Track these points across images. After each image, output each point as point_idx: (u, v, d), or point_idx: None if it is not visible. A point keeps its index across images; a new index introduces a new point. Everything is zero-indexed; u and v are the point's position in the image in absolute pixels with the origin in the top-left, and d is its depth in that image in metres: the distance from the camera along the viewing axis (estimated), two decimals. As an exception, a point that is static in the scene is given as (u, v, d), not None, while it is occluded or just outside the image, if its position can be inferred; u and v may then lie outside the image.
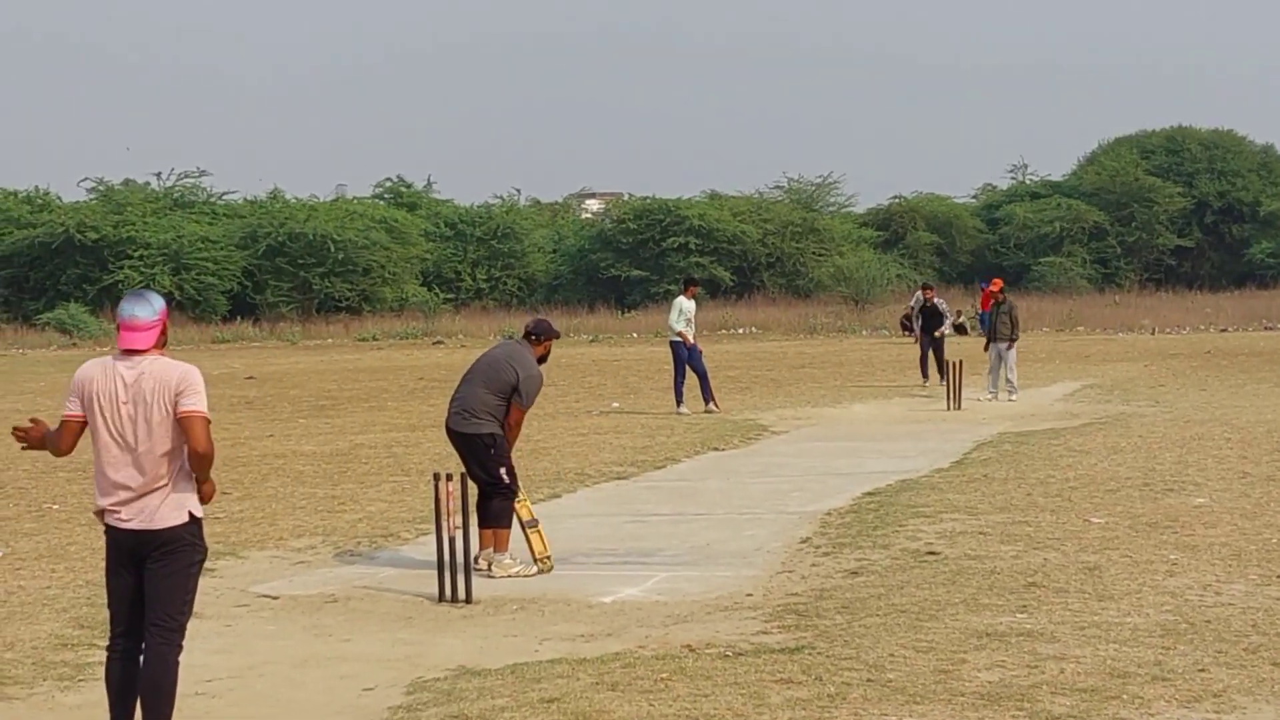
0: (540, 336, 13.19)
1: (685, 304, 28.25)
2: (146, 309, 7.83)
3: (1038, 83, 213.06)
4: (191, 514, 7.78)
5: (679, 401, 27.40)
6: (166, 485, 7.72)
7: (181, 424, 7.68)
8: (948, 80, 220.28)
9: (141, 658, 7.86)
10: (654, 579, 12.30)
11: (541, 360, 13.11)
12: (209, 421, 7.77)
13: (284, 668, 9.70)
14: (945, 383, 29.06)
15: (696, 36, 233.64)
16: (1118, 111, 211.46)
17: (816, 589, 11.39)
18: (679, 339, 27.76)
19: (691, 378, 27.73)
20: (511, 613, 11.21)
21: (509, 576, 12.52)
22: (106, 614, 11.07)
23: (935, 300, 34.99)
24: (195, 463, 7.74)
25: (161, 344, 7.84)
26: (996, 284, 32.55)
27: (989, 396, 28.95)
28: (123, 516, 7.75)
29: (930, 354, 33.26)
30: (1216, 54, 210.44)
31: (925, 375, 32.97)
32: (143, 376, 7.71)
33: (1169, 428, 22.15)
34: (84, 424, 7.87)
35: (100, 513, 7.82)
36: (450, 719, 8.09)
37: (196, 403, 7.71)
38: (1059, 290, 78.11)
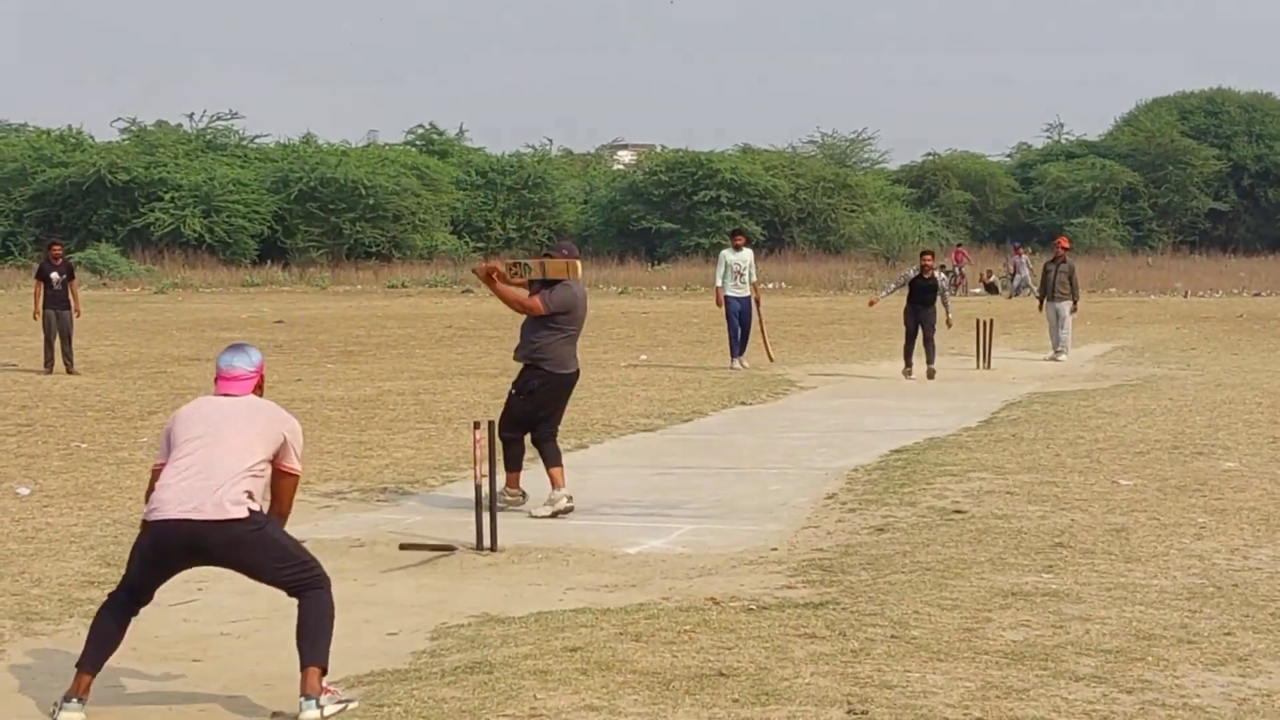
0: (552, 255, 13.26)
1: (728, 256, 27.76)
2: (245, 360, 8.06)
3: (1076, 41, 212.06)
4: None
5: (732, 355, 27.19)
6: None
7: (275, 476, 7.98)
8: (985, 37, 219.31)
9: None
10: (679, 531, 12.30)
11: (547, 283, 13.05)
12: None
13: (309, 611, 9.71)
14: (920, 372, 25.69)
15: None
16: (1157, 72, 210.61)
17: (842, 545, 11.37)
18: (731, 294, 27.35)
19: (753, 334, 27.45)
20: (536, 561, 11.22)
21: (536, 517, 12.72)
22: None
23: (935, 272, 27.21)
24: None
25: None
26: (1063, 242, 31.45)
27: (1050, 357, 28.90)
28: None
29: (919, 334, 26.29)
30: (1259, 15, 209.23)
31: (909, 362, 26.26)
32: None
33: (1199, 391, 22.08)
34: None
35: None
36: (474, 665, 8.10)
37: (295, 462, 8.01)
38: (1091, 251, 77.87)
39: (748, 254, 27.86)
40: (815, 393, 23.51)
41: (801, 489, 14.18)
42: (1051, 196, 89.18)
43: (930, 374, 25.73)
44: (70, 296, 27.29)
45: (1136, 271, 69.59)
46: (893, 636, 8.48)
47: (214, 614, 9.64)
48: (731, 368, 26.70)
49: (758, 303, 27.67)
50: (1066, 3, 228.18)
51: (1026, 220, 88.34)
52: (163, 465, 7.78)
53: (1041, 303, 30.08)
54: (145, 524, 7.75)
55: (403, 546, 11.34)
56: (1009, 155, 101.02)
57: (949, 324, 26.55)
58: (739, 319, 27.26)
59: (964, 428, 18.44)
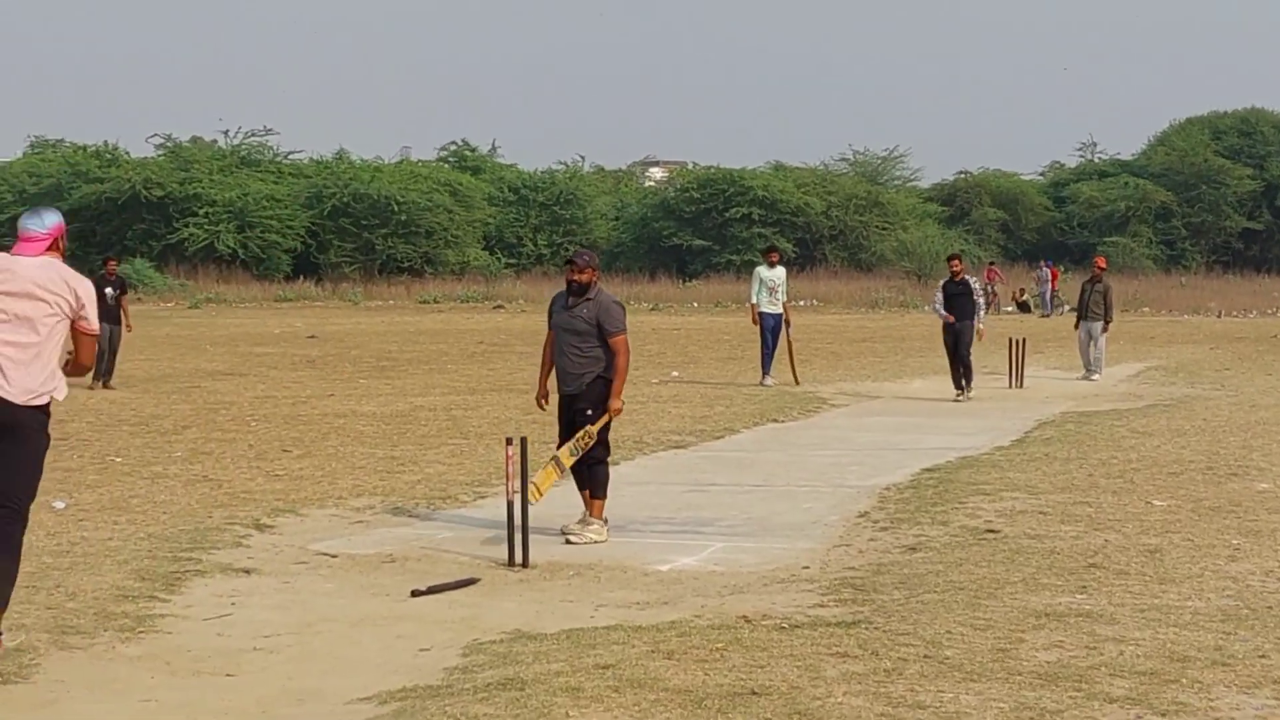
0: (569, 265, 13.04)
1: (763, 273, 27.76)
2: (38, 224, 8.93)
3: (1109, 60, 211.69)
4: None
5: (764, 372, 27.21)
6: None
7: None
8: (1018, 55, 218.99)
9: None
10: (711, 549, 12.29)
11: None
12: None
13: (341, 626, 9.74)
14: (963, 392, 25.29)
15: (764, 6, 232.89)
16: (1190, 91, 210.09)
17: (874, 564, 11.35)
18: (766, 310, 27.40)
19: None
20: (568, 578, 11.22)
21: (584, 543, 12.51)
22: (168, 567, 11.18)
23: (967, 275, 26.29)
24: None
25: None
26: (1100, 262, 31.20)
27: (1083, 376, 28.81)
28: None
29: (956, 350, 25.62)
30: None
31: (958, 384, 25.60)
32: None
33: (1233, 411, 22.00)
34: None
35: None
36: (506, 681, 8.10)
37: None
38: (1124, 271, 77.67)
39: (781, 271, 27.87)
40: (847, 410, 23.50)
41: (834, 507, 14.17)
42: (1084, 215, 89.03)
43: (962, 398, 25.25)
44: (121, 311, 27.24)
45: (1170, 291, 69.42)
46: (925, 656, 8.46)
47: (247, 628, 9.66)
48: (763, 384, 26.68)
49: (788, 323, 27.66)
50: (1099, 22, 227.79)
51: (1059, 239, 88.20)
52: None
53: (1078, 322, 29.97)
54: None
55: (415, 593, 10.64)
56: (1042, 174, 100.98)
57: (979, 335, 25.74)
58: (772, 335, 27.26)
59: (997, 447, 18.40)
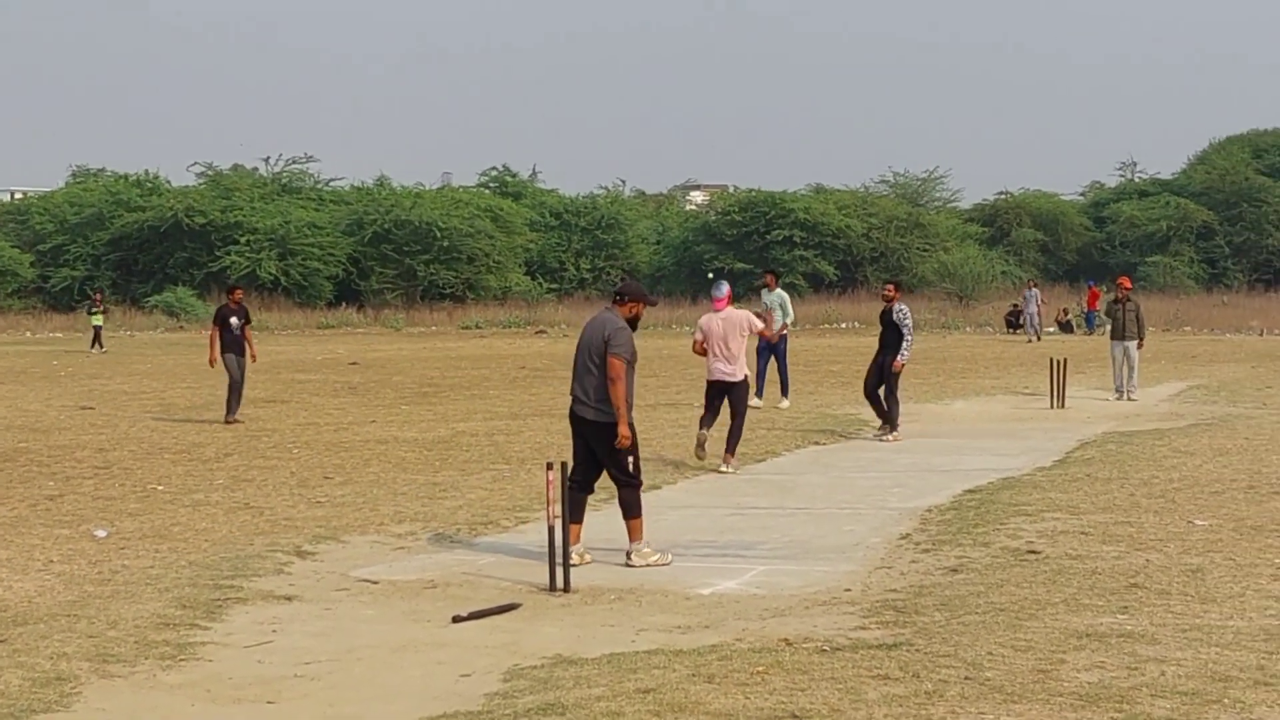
0: (625, 297, 12.98)
1: (764, 296, 28.16)
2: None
3: (1149, 80, 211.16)
4: None
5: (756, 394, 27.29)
6: None
7: None
8: (1058, 76, 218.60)
9: None
10: (752, 572, 12.28)
11: (631, 324, 12.87)
12: None
13: (382, 652, 9.76)
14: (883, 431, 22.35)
15: (804, 29, 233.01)
16: (1231, 110, 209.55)
17: (915, 585, 11.33)
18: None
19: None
20: (609, 602, 11.22)
21: (647, 565, 12.51)
22: (209, 595, 11.21)
23: (896, 304, 22.72)
24: None
25: None
26: (1125, 282, 31.11)
27: (1115, 396, 28.66)
28: None
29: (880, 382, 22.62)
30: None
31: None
32: None
33: (1276, 430, 21.89)
34: None
35: None
36: (547, 707, 8.10)
37: None
38: (1165, 290, 77.47)
39: (779, 294, 28.07)
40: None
41: (875, 529, 14.14)
42: (1125, 235, 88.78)
43: (883, 436, 22.33)
44: (246, 342, 26.22)
45: (1211, 310, 69.12)
46: (966, 678, 8.44)
47: (288, 655, 9.69)
48: (752, 405, 26.80)
49: (782, 340, 27.75)
50: (1139, 40, 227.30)
51: (1099, 259, 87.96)
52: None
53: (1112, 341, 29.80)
54: None
55: (456, 619, 10.67)
56: (1082, 194, 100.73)
57: (896, 367, 22.31)
58: (761, 356, 27.64)
59: (1038, 467, 18.35)
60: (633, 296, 12.99)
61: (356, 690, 8.87)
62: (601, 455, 12.75)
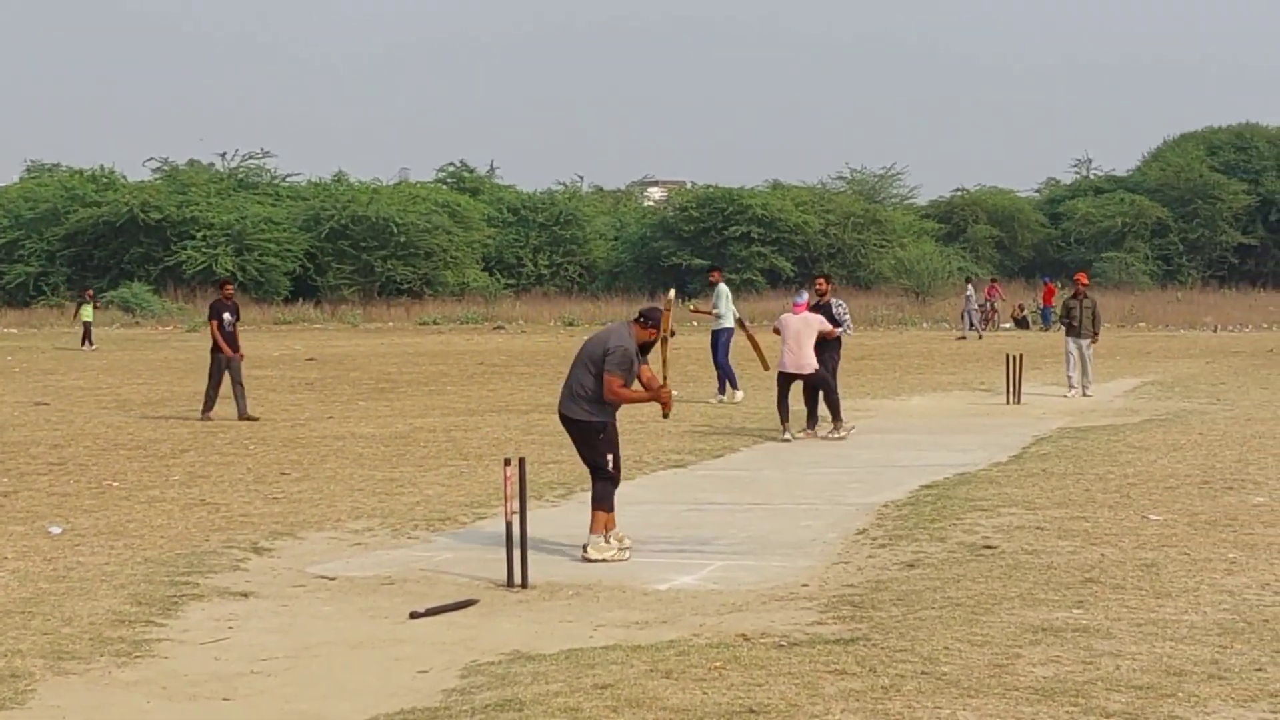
0: (648, 321, 13.18)
1: (715, 294, 29.22)
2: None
3: (1104, 78, 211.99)
4: None
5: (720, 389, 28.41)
6: None
7: None
8: (1012, 74, 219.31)
9: None
10: (709, 567, 12.30)
11: (644, 348, 13.10)
12: None
13: (340, 649, 9.74)
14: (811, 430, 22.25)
15: (761, 26, 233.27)
16: (1185, 107, 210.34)
17: (872, 581, 11.36)
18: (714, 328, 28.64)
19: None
20: (567, 598, 11.22)
21: (603, 560, 12.54)
22: (165, 591, 11.18)
23: (831, 298, 23.74)
24: None
25: None
26: (1082, 279, 31.10)
27: (1071, 392, 28.70)
28: None
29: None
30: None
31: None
32: None
33: (1229, 425, 22.00)
34: None
35: None
36: (504, 703, 8.10)
37: None
38: (1120, 286, 77.74)
39: (720, 288, 29.24)
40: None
41: (832, 525, 14.18)
42: (1080, 231, 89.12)
43: (806, 432, 22.39)
44: (236, 337, 25.74)
45: (1166, 306, 69.41)
46: (923, 673, 8.47)
47: (244, 652, 9.67)
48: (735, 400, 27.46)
49: (726, 333, 28.55)
50: (1094, 38, 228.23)
51: (1055, 255, 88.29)
52: None
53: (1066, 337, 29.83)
54: None
55: (413, 615, 10.64)
56: (1037, 191, 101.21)
57: (829, 334, 22.33)
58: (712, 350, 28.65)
59: (994, 463, 18.41)
60: (654, 324, 13.19)
61: (314, 687, 8.86)
62: (582, 452, 13.01)
